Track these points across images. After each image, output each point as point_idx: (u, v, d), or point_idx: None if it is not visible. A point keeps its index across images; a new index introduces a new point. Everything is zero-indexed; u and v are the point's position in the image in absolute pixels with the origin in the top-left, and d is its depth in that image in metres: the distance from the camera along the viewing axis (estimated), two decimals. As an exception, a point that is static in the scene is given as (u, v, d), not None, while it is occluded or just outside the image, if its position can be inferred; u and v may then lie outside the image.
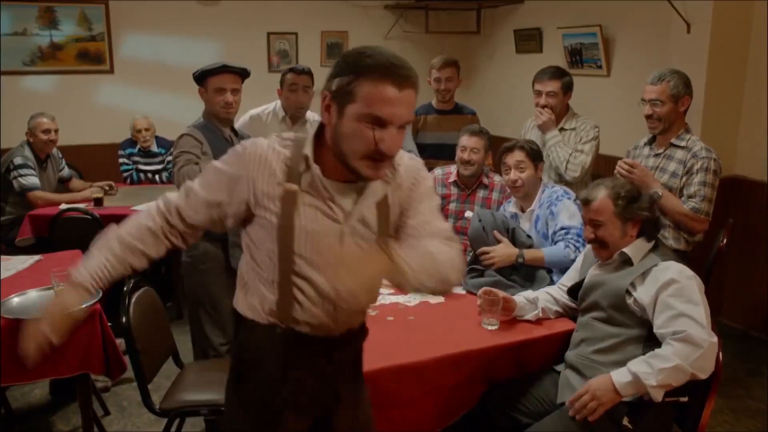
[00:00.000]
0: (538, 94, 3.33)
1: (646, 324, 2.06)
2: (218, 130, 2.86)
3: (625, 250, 2.17)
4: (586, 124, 3.32)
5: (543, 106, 3.29)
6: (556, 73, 3.31)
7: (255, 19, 5.70)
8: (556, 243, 2.71)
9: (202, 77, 2.82)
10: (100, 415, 3.02)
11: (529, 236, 2.81)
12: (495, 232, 2.74)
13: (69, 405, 3.19)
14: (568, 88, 3.31)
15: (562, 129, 3.32)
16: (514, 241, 2.77)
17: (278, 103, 3.68)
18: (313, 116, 3.71)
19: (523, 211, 2.94)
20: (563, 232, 2.69)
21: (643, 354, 2.01)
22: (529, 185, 2.86)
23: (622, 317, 2.10)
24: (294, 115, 3.60)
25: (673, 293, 1.99)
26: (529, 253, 2.69)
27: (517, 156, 2.84)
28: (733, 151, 4.07)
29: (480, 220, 2.78)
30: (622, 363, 2.01)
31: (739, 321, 4.13)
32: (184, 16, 5.48)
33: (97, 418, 2.84)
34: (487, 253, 2.71)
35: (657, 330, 2.00)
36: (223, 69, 2.82)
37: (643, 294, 2.06)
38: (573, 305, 2.39)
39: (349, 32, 6.03)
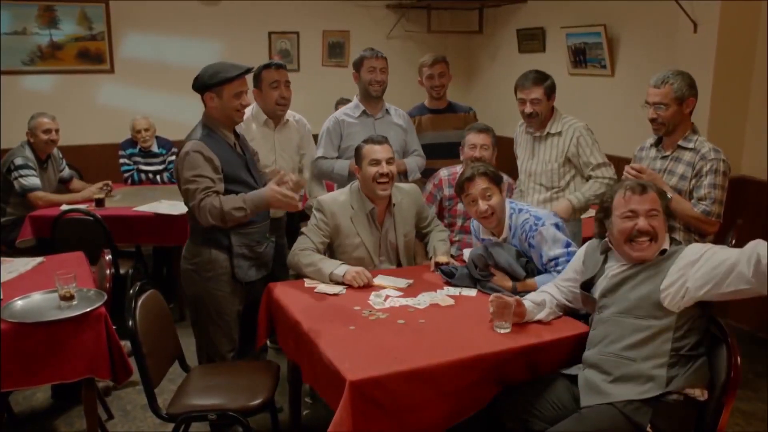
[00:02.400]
0: (522, 102, 3.20)
1: (674, 314, 2.05)
2: (224, 137, 2.72)
3: None
4: (573, 128, 3.19)
5: (528, 114, 3.19)
6: (538, 78, 3.16)
7: (256, 19, 5.67)
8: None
9: (219, 85, 2.63)
10: (103, 419, 2.98)
11: (522, 256, 2.71)
12: (491, 268, 2.67)
13: (72, 408, 3.17)
14: (551, 92, 3.19)
15: (548, 134, 3.22)
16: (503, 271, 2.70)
17: (254, 105, 3.39)
18: (293, 115, 3.55)
19: (495, 236, 2.82)
20: (553, 264, 2.63)
21: (673, 347, 2.03)
22: (500, 210, 2.73)
23: (653, 310, 2.07)
24: (276, 115, 3.39)
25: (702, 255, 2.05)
26: (521, 286, 2.62)
27: (481, 184, 2.69)
28: (739, 152, 4.05)
29: (476, 266, 2.70)
30: (654, 356, 2.03)
31: (746, 323, 4.10)
32: (185, 16, 5.45)
33: (101, 422, 2.80)
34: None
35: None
36: (246, 73, 2.67)
37: (675, 283, 2.06)
38: (571, 305, 2.40)
39: (351, 32, 6.01)
